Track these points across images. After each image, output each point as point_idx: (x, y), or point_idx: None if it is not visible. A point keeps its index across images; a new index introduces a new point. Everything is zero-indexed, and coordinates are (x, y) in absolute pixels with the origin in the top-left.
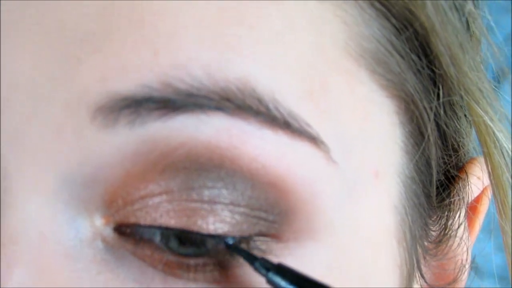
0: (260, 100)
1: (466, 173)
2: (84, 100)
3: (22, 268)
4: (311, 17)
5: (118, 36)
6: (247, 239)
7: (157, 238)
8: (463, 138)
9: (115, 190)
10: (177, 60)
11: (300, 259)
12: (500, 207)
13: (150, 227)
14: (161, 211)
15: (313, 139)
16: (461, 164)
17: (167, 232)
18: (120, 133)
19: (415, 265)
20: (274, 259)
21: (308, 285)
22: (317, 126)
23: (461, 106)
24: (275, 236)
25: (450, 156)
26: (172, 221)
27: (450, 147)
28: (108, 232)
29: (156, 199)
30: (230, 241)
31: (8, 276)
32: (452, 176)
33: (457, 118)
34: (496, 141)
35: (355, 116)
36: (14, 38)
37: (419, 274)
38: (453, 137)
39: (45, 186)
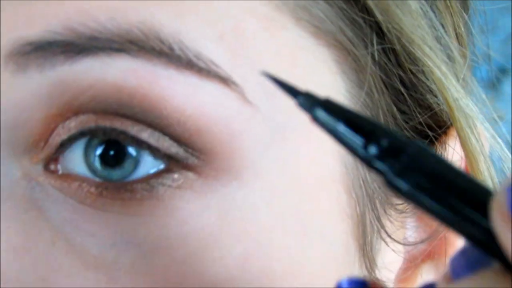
0: (163, 42)
1: (446, 135)
2: None
3: None
4: None
5: None
6: (165, 167)
7: (83, 167)
8: (435, 96)
9: (38, 131)
10: (81, 7)
11: (222, 197)
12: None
13: (71, 138)
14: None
15: (223, 80)
16: (444, 125)
17: (88, 141)
18: (32, 77)
19: (373, 218)
20: (195, 194)
21: (361, 122)
22: (228, 67)
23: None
24: (193, 169)
25: (420, 113)
26: (93, 124)
27: (412, 102)
28: (38, 170)
29: (74, 130)
30: (151, 170)
31: None
32: (428, 136)
33: (419, 71)
34: (450, 94)
35: (279, 61)
36: None
37: (384, 231)
38: (414, 90)
39: None
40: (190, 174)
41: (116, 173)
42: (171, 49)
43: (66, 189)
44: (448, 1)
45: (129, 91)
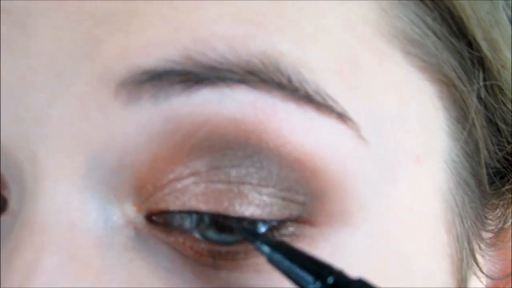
0: (283, 73)
1: None
2: (106, 77)
3: (51, 256)
4: None
5: (137, 15)
6: (278, 223)
7: (188, 225)
8: None
9: (143, 176)
10: (199, 35)
11: (335, 245)
12: None
13: (180, 212)
14: (189, 194)
15: (340, 116)
16: None
17: (198, 217)
18: (144, 108)
19: (469, 254)
20: (308, 246)
21: (310, 264)
22: (345, 102)
23: None
24: (307, 220)
25: (509, 143)
26: (200, 205)
27: (506, 133)
28: (140, 219)
29: (184, 182)
30: (262, 228)
31: (37, 263)
32: None
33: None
34: None
35: (390, 97)
36: (35, 23)
37: (475, 265)
38: (507, 122)
39: (74, 172)
40: (304, 226)
41: (227, 237)
42: (290, 81)
43: (172, 242)
44: None
45: (246, 126)
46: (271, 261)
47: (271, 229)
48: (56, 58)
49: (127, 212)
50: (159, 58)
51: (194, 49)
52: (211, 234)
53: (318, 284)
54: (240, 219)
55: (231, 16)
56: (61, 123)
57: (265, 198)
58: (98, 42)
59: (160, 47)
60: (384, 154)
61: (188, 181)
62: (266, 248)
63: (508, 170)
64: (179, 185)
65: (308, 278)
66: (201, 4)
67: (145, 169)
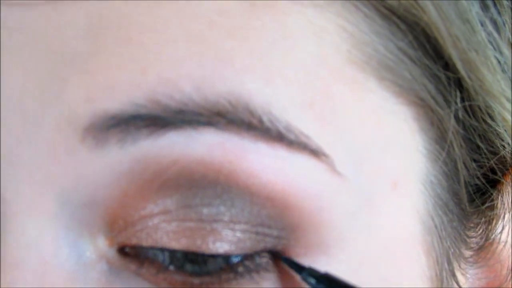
0: (253, 114)
1: (511, 176)
2: (73, 121)
3: None
4: (309, 26)
5: (105, 55)
6: (252, 256)
7: (161, 258)
8: (501, 140)
9: (114, 211)
10: (165, 76)
11: None
12: None
13: (152, 248)
14: (161, 232)
15: (314, 152)
16: (506, 167)
17: (171, 254)
18: (112, 152)
19: (449, 275)
20: (284, 275)
21: None
22: (318, 138)
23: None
24: (283, 252)
25: (488, 159)
26: (172, 243)
27: (485, 150)
28: (112, 253)
29: (155, 220)
30: (234, 260)
31: None
32: (494, 180)
33: (491, 119)
34: None
35: (365, 125)
36: (4, 63)
37: (456, 284)
38: (486, 139)
39: (44, 209)
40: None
41: (201, 269)
42: (261, 121)
43: (146, 274)
44: None
45: (215, 167)
46: None
47: (246, 257)
48: (24, 99)
49: (100, 246)
50: (125, 101)
51: (160, 92)
52: (185, 266)
53: None
54: (214, 256)
55: (198, 54)
56: (30, 165)
57: (238, 234)
58: (65, 83)
59: (126, 88)
60: (361, 184)
61: (159, 218)
62: (312, 280)
63: (488, 186)
64: (150, 223)
65: None
66: (169, 43)
67: (116, 205)
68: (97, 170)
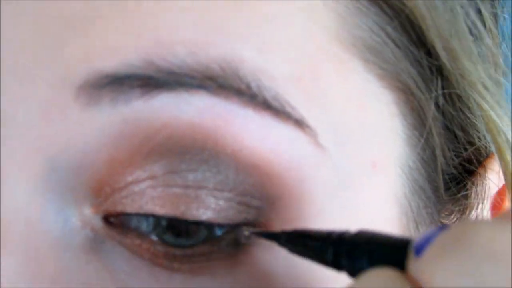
0: (242, 80)
1: (485, 167)
2: (68, 79)
3: (9, 256)
4: (301, 5)
5: (102, 20)
6: (233, 229)
7: (145, 227)
8: (477, 131)
9: (101, 178)
10: (160, 40)
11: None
12: None
13: (137, 214)
14: (146, 198)
15: (298, 122)
16: (482, 158)
17: (155, 220)
18: (103, 111)
19: None
20: (265, 250)
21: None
22: (303, 110)
23: (472, 98)
24: (263, 225)
25: (465, 149)
26: (157, 208)
27: (463, 140)
28: (97, 221)
29: (142, 185)
30: (218, 232)
31: None
32: (469, 170)
33: (469, 110)
34: (503, 136)
35: (349, 105)
36: (0, 28)
37: None
38: (464, 129)
39: (33, 172)
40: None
41: (184, 241)
42: (249, 88)
43: (129, 244)
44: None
45: (204, 130)
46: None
47: (228, 232)
48: (20, 61)
49: (85, 213)
50: (120, 62)
51: (154, 53)
52: (168, 237)
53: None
54: (197, 223)
55: (193, 21)
56: (23, 125)
57: (221, 202)
58: (61, 45)
59: (121, 51)
60: (342, 160)
61: (145, 184)
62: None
63: (464, 176)
64: (136, 188)
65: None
66: (164, 10)
67: (103, 171)
68: (87, 132)
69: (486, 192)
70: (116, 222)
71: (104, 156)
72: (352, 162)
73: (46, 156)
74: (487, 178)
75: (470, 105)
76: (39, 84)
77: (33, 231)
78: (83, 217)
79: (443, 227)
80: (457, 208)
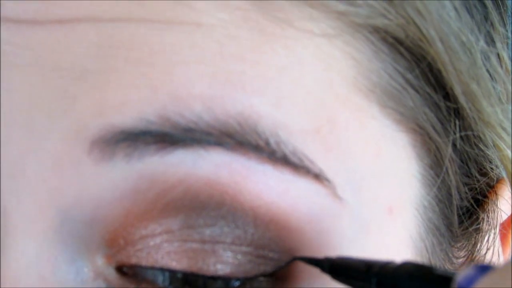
0: (260, 136)
1: (496, 194)
2: (81, 134)
3: None
4: (318, 53)
5: (115, 74)
6: (251, 279)
7: (160, 279)
8: (490, 162)
9: (115, 230)
10: (176, 95)
11: None
12: None
13: (152, 268)
14: (162, 252)
15: (317, 176)
16: (492, 184)
17: (171, 274)
18: (117, 167)
19: None
20: None
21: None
22: (322, 163)
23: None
24: (281, 276)
25: (478, 181)
26: (173, 263)
27: (476, 173)
28: (110, 271)
29: (157, 240)
30: (235, 284)
31: None
32: (480, 200)
33: (484, 145)
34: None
35: (367, 152)
36: (11, 79)
37: None
38: (478, 163)
39: (44, 225)
40: (277, 281)
41: None
42: (268, 144)
43: None
44: None
45: (221, 187)
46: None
47: (246, 282)
48: (31, 114)
49: (98, 263)
50: (135, 117)
51: (171, 109)
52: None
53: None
54: (214, 278)
55: (209, 76)
56: (34, 178)
57: (239, 256)
58: (74, 99)
59: (136, 105)
60: (359, 208)
61: (161, 238)
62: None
63: (476, 207)
64: (151, 242)
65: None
66: (179, 64)
67: (118, 224)
68: (101, 186)
69: (498, 220)
70: (130, 272)
71: (118, 209)
72: (369, 208)
73: (58, 208)
74: (498, 205)
75: (486, 143)
76: (50, 137)
77: (45, 285)
78: (96, 267)
79: (487, 267)
80: (468, 242)
